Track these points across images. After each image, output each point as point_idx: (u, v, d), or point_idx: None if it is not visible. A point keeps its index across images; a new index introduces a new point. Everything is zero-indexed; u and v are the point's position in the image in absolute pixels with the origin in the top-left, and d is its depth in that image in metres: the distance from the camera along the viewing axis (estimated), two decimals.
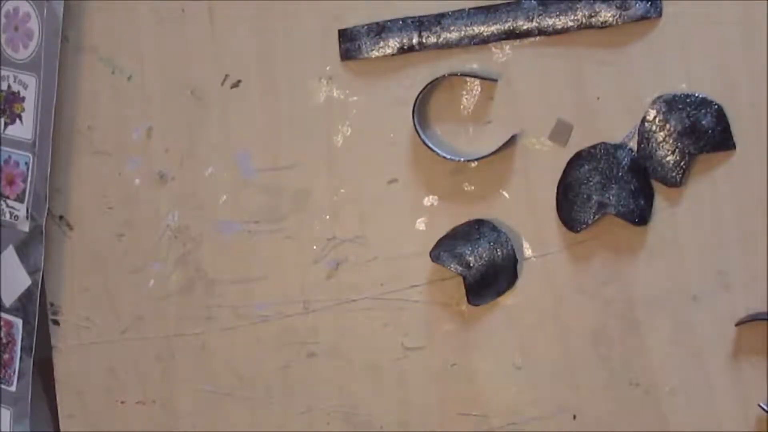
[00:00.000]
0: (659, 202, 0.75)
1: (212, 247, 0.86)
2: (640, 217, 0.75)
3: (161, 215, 0.87)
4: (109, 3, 0.87)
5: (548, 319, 0.78)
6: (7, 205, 0.90)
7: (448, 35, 0.78)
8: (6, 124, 0.89)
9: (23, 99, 0.88)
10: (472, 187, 0.79)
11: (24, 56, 0.88)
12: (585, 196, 0.76)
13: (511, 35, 0.77)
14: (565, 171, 0.77)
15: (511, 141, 0.77)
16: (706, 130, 0.73)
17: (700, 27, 0.74)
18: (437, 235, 0.80)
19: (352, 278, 0.83)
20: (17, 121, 0.88)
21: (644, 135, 0.75)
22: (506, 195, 0.79)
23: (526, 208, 0.78)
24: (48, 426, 0.94)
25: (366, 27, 0.80)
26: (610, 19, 0.75)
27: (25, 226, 0.89)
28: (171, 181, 0.87)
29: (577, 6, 0.75)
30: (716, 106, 0.73)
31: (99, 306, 0.90)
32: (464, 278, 0.79)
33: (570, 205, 0.76)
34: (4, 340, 0.92)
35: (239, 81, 0.85)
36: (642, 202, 0.75)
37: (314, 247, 0.83)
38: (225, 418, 0.87)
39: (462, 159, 0.78)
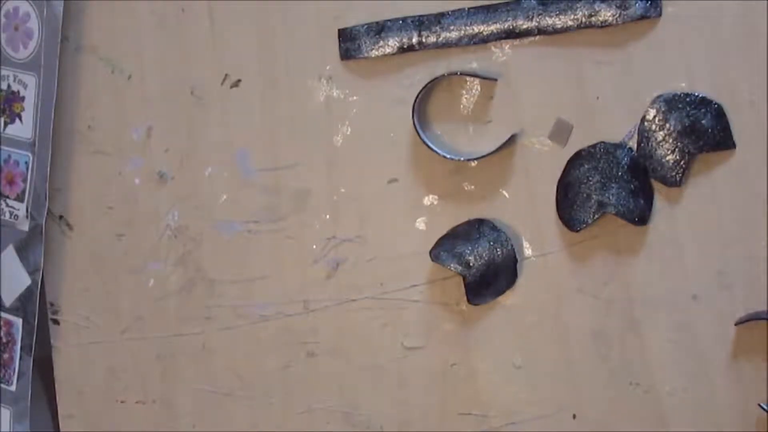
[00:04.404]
0: (659, 202, 0.75)
1: (212, 247, 0.86)
2: (640, 216, 0.75)
3: (161, 215, 0.87)
4: (109, 3, 0.87)
5: (548, 319, 0.78)
6: (7, 205, 0.90)
7: (448, 35, 0.78)
8: (6, 124, 0.89)
9: (23, 98, 0.88)
10: (472, 187, 0.79)
11: (24, 56, 0.88)
12: (585, 196, 0.76)
13: (511, 35, 0.77)
14: (564, 170, 0.77)
15: (511, 141, 0.77)
16: (705, 130, 0.73)
17: (700, 27, 0.74)
18: (437, 235, 0.80)
19: (352, 278, 0.83)
20: (17, 120, 0.89)
21: (644, 134, 0.75)
22: (506, 195, 0.79)
23: (526, 208, 0.78)
24: (48, 426, 0.94)
25: (366, 26, 0.80)
26: (610, 18, 0.75)
27: (25, 226, 0.89)
28: (171, 181, 0.87)
29: (577, 5, 0.75)
30: (716, 106, 0.73)
31: (99, 306, 0.90)
32: (464, 278, 0.79)
33: (570, 204, 0.76)
34: (4, 340, 0.92)
35: (239, 81, 0.85)
36: (642, 201, 0.75)
37: (314, 247, 0.83)
38: (225, 418, 0.87)
39: (462, 159, 0.78)
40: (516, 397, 0.79)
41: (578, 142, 0.76)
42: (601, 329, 0.77)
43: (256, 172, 0.85)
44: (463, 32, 0.78)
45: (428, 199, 0.81)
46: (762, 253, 0.73)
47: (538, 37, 0.77)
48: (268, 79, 0.84)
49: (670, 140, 0.74)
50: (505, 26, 0.77)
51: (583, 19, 0.75)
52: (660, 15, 0.74)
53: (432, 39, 0.79)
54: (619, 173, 0.75)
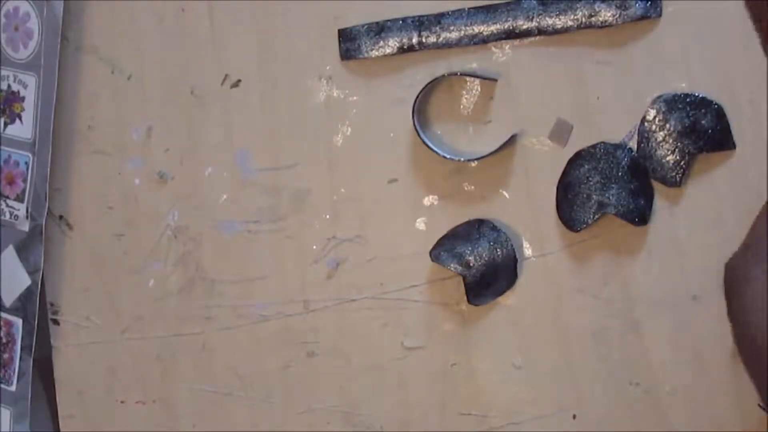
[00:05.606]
0: (659, 202, 0.75)
1: (212, 247, 0.86)
2: (640, 217, 0.75)
3: (161, 215, 0.87)
4: (109, 3, 0.87)
5: (548, 319, 0.78)
6: (7, 205, 0.90)
7: (448, 35, 0.78)
8: (6, 124, 0.89)
9: (23, 99, 0.88)
10: (472, 187, 0.79)
11: (24, 56, 0.88)
12: (585, 196, 0.76)
13: (511, 35, 0.77)
14: (564, 171, 0.77)
15: (511, 141, 0.77)
16: (706, 130, 0.73)
17: (700, 27, 0.74)
18: (437, 235, 0.80)
19: (352, 278, 0.83)
20: (17, 120, 0.88)
21: (644, 135, 0.75)
22: (506, 195, 0.79)
23: (526, 208, 0.78)
24: (48, 426, 0.94)
25: (366, 27, 0.80)
26: (610, 19, 0.75)
27: (25, 226, 0.89)
28: (171, 180, 0.87)
29: (577, 6, 0.75)
30: (716, 106, 0.73)
31: (99, 306, 0.90)
32: (464, 278, 0.79)
33: (570, 204, 0.76)
34: (4, 340, 0.92)
35: (239, 81, 0.85)
36: (642, 202, 0.75)
37: (314, 247, 0.83)
38: (225, 418, 0.87)
39: (462, 159, 0.78)
40: (516, 397, 0.80)
41: (578, 142, 0.76)
42: (601, 329, 0.77)
43: (256, 172, 0.85)
44: (463, 32, 0.78)
45: (428, 199, 0.81)
46: None
47: (538, 37, 0.77)
48: (268, 79, 0.84)
49: (670, 140, 0.74)
50: (505, 26, 0.77)
51: (583, 20, 0.75)
52: (660, 15, 0.74)
53: (432, 39, 0.79)
54: (619, 173, 0.75)
